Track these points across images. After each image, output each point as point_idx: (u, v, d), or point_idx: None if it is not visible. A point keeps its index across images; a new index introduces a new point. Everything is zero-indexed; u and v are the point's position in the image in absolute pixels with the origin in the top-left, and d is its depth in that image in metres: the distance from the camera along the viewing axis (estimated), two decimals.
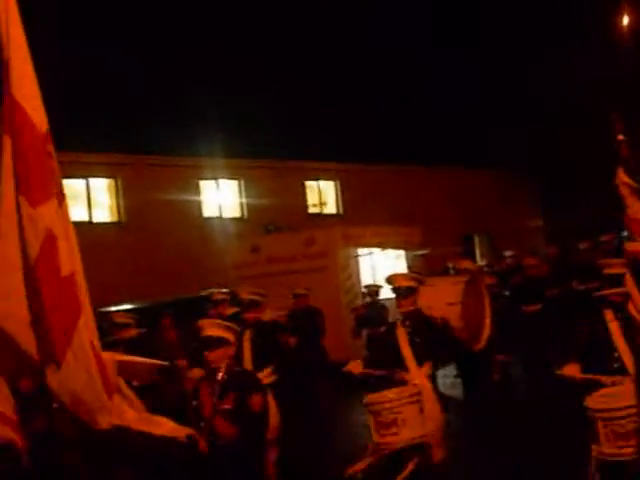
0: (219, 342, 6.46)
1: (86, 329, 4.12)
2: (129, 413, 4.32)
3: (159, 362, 5.77)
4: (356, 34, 29.12)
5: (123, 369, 4.59)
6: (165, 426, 4.47)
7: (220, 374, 6.39)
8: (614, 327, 6.83)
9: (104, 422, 4.11)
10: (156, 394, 6.69)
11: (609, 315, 6.92)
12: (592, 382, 6.67)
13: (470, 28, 31.34)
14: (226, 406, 6.20)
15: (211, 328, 6.57)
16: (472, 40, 30.96)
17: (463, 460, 9.05)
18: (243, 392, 6.27)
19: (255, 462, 6.19)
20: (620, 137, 6.27)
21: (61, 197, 4.22)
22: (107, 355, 4.42)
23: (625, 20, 25.66)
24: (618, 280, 6.97)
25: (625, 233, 29.85)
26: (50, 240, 4.02)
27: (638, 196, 5.81)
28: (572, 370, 6.80)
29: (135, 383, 5.52)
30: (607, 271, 7.10)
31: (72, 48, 22.05)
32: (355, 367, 7.63)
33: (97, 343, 4.22)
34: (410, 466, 6.84)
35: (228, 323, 6.81)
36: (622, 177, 5.94)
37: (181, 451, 4.44)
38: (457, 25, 31.48)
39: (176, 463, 4.38)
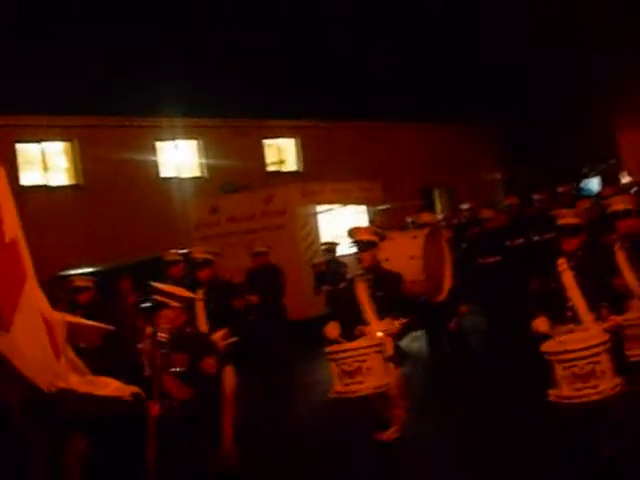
0: (163, 305, 6.48)
1: (32, 293, 4.09)
2: (73, 376, 4.30)
3: (107, 326, 5.75)
4: None
5: (72, 331, 4.57)
6: (109, 386, 4.46)
7: (162, 335, 6.36)
8: (567, 276, 6.91)
9: (52, 385, 4.09)
10: (105, 356, 6.68)
11: (563, 264, 6.99)
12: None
13: None
14: (178, 368, 6.19)
15: (157, 295, 6.57)
16: None
17: (426, 415, 9.21)
18: (195, 354, 6.26)
19: (210, 422, 6.19)
20: None
21: None
22: (57, 315, 4.39)
23: None
24: (571, 230, 7.05)
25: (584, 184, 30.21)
26: None
27: None
28: (542, 324, 6.86)
29: (82, 345, 5.50)
30: (561, 221, 7.14)
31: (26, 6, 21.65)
32: (333, 332, 7.60)
33: (45, 306, 4.19)
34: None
35: (171, 289, 6.76)
36: None
37: (125, 409, 4.43)
38: None
39: (121, 422, 4.37)
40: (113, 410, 4.37)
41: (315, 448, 8.47)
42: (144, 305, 6.77)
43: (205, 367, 6.21)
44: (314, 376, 11.75)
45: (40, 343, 4.07)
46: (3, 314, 3.92)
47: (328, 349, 7.11)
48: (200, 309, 8.68)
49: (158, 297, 6.54)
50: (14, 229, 4.10)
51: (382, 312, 7.51)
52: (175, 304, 6.51)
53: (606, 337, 6.25)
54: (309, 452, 8.38)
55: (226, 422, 6.43)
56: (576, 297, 6.79)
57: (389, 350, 7.23)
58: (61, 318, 4.45)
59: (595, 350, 6.11)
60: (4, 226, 3.98)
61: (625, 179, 26.55)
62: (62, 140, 22.71)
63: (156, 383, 5.99)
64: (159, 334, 6.34)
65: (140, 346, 6.75)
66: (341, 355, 6.94)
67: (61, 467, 4.11)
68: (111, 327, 5.79)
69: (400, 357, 7.88)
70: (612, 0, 27.19)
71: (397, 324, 7.29)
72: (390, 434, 7.61)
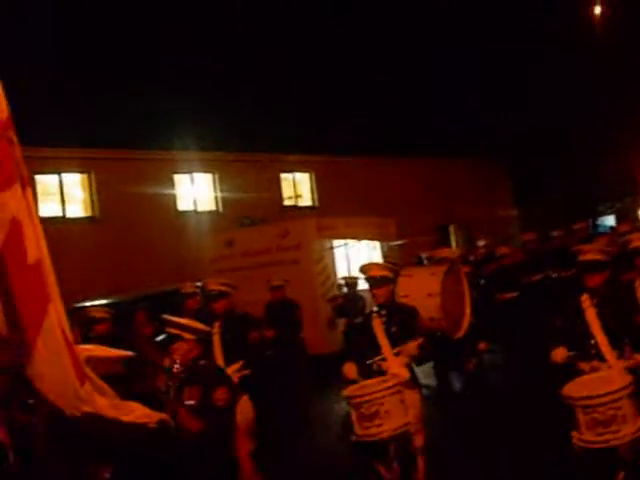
0: (177, 338, 6.46)
1: (56, 316, 4.06)
2: (100, 400, 4.26)
3: (126, 353, 5.72)
4: (332, 26, 29.08)
5: (92, 360, 4.54)
6: (136, 412, 4.40)
7: (176, 366, 6.33)
8: (590, 313, 6.83)
9: (76, 409, 4.05)
10: (124, 385, 6.63)
11: (586, 301, 6.91)
12: (574, 365, 6.68)
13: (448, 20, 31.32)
14: (191, 401, 6.15)
15: (170, 327, 6.55)
16: (448, 31, 30.98)
17: (441, 449, 9.08)
18: (207, 386, 6.21)
19: (222, 456, 6.11)
20: None
21: (25, 183, 4.11)
22: (78, 348, 4.36)
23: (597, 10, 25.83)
24: (595, 266, 6.98)
25: (599, 221, 30.10)
26: (16, 227, 3.94)
27: None
28: (560, 354, 6.80)
29: (103, 373, 5.46)
30: (583, 257, 7.09)
31: (44, 38, 21.88)
32: (351, 373, 7.54)
33: (68, 331, 4.16)
34: (392, 453, 6.82)
35: (186, 321, 6.73)
36: None
37: (151, 437, 4.36)
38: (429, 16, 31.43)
39: (146, 450, 4.30)
40: (138, 438, 4.30)
41: None
42: (159, 338, 6.73)
43: (216, 399, 6.16)
44: (332, 412, 11.68)
45: (63, 367, 4.04)
46: (26, 337, 3.90)
47: (345, 394, 7.04)
48: (216, 342, 8.62)
49: (172, 329, 6.51)
50: (39, 250, 4.08)
51: (396, 347, 7.44)
52: (189, 336, 6.48)
53: (628, 380, 6.15)
54: None
55: (243, 455, 6.34)
56: (599, 334, 6.71)
57: (407, 386, 7.14)
58: (82, 350, 4.42)
59: (616, 395, 6.01)
60: (27, 247, 3.95)
61: None
62: (79, 172, 22.84)
63: (170, 417, 5.95)
64: (173, 366, 6.30)
65: (155, 380, 6.69)
66: (358, 400, 6.87)
67: None
68: (130, 353, 5.75)
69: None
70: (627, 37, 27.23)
71: (414, 345, 7.23)
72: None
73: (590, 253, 7.09)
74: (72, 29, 22.82)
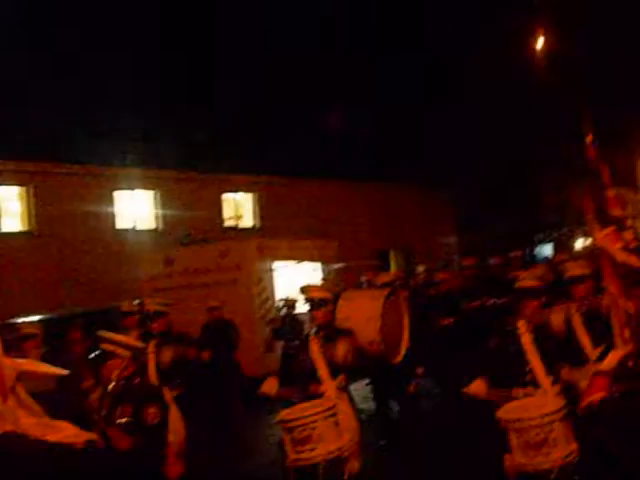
0: (111, 355, 6.35)
1: None
2: (26, 419, 4.14)
3: (57, 370, 5.59)
4: (277, 46, 29.13)
5: (21, 375, 4.42)
6: (65, 431, 4.29)
7: (110, 386, 6.22)
8: (526, 339, 6.89)
9: None
10: (53, 402, 6.49)
11: (522, 327, 6.98)
12: (501, 397, 6.71)
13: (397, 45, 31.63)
14: (122, 419, 6.05)
15: (105, 344, 6.44)
16: (395, 53, 31.29)
17: (380, 473, 9.07)
18: (139, 404, 6.12)
19: (152, 475, 6.01)
20: (589, 138, 6.30)
21: None
22: (7, 361, 4.25)
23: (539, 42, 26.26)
24: (531, 293, 7.07)
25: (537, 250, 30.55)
26: None
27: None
28: (479, 388, 6.86)
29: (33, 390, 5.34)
30: (521, 284, 7.19)
31: None
32: (270, 388, 7.49)
33: None
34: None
35: (121, 338, 6.63)
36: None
37: (76, 458, 4.25)
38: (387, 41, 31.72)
39: (70, 471, 4.18)
40: (63, 458, 4.18)
41: None
42: (92, 355, 6.62)
43: (147, 417, 6.07)
44: (265, 436, 11.59)
45: None
46: None
47: (278, 417, 6.97)
48: (151, 361, 8.56)
49: (107, 346, 6.40)
50: None
51: (333, 370, 7.40)
52: (124, 353, 6.37)
53: (561, 403, 6.23)
54: None
55: (173, 477, 6.21)
56: (535, 360, 6.77)
57: (342, 410, 7.09)
58: (11, 362, 4.30)
59: (548, 419, 6.07)
60: None
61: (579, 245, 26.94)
62: (17, 185, 22.44)
63: (101, 435, 5.85)
64: (108, 384, 6.20)
65: (88, 397, 6.58)
66: (291, 424, 6.80)
67: None
68: (62, 371, 5.63)
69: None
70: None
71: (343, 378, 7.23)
72: None
73: (527, 280, 7.21)
74: (16, 36, 22.51)
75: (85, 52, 23.96)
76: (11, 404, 4.10)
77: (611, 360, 4.95)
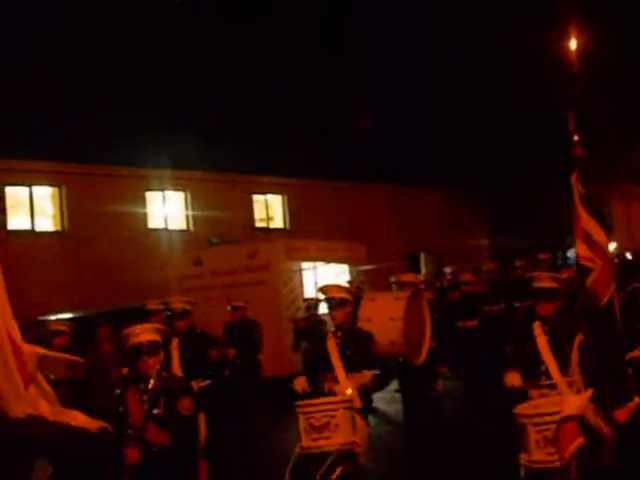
0: (152, 347, 6.40)
1: (2, 319, 4.09)
2: (44, 405, 4.29)
3: (78, 359, 5.75)
4: (303, 42, 29.19)
5: (42, 363, 4.58)
6: (77, 419, 4.43)
7: (152, 381, 6.32)
8: (541, 340, 6.91)
9: (19, 411, 4.08)
10: (78, 390, 6.66)
11: (538, 328, 7.00)
12: (526, 391, 6.75)
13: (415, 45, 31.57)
14: (156, 411, 6.16)
15: (144, 333, 6.47)
16: (418, 59, 31.23)
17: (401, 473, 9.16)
18: (172, 396, 6.22)
19: (188, 467, 6.13)
20: (576, 138, 6.30)
21: None
22: (29, 348, 4.38)
23: (573, 44, 26.13)
24: (547, 294, 7.07)
25: (569, 253, 30.36)
26: None
27: (583, 202, 5.84)
28: (514, 378, 6.88)
29: (52, 377, 5.48)
30: (537, 285, 7.17)
31: (16, 49, 21.84)
32: (299, 385, 7.56)
33: (15, 333, 4.18)
34: (338, 471, 6.79)
35: (158, 325, 6.75)
36: (574, 179, 5.97)
37: (92, 443, 4.39)
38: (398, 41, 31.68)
39: (87, 454, 4.33)
40: (80, 442, 4.32)
41: None
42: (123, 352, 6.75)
43: (182, 408, 6.17)
44: (284, 433, 11.64)
45: (9, 370, 4.07)
46: None
47: (298, 402, 7.04)
48: (175, 358, 8.69)
49: (149, 335, 6.45)
50: None
51: (350, 369, 7.43)
52: (158, 351, 6.48)
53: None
54: None
55: (202, 471, 6.33)
56: (550, 362, 6.79)
57: (357, 403, 7.14)
58: (33, 350, 4.44)
59: None
60: None
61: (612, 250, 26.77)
62: (50, 185, 22.75)
63: (137, 429, 5.98)
64: (150, 380, 6.30)
65: (117, 392, 6.66)
66: (310, 409, 6.87)
67: None
68: (81, 359, 5.78)
69: (368, 413, 7.78)
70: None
71: (368, 375, 7.21)
72: None
73: (545, 281, 7.19)
74: (46, 40, 22.79)
75: (118, 52, 24.22)
76: (32, 391, 4.25)
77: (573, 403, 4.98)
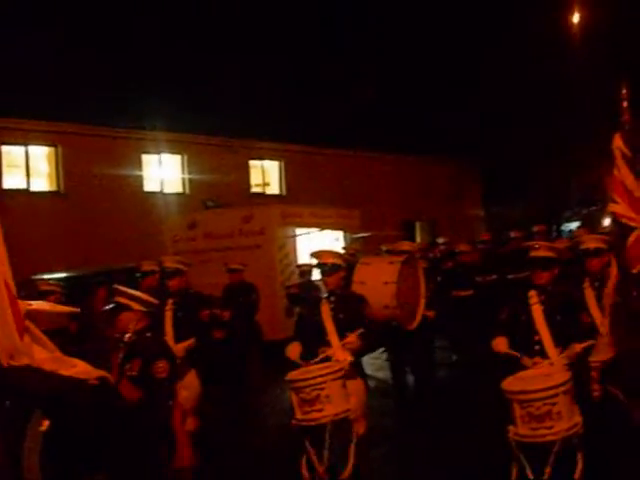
0: (125, 309, 6.50)
1: (0, 272, 4.10)
2: (40, 353, 4.30)
3: (68, 308, 5.75)
4: (310, 18, 29.08)
5: (36, 315, 4.58)
6: (77, 367, 4.44)
7: (127, 335, 6.38)
8: (536, 309, 6.92)
9: (15, 360, 4.09)
10: (74, 340, 6.68)
11: (533, 297, 7.01)
12: (514, 359, 6.77)
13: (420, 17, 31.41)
14: (132, 372, 6.19)
15: (120, 297, 6.58)
16: (420, 27, 31.08)
17: (392, 442, 9.24)
18: (148, 358, 6.25)
19: (158, 428, 6.13)
20: (625, 103, 6.37)
21: None
22: (19, 302, 4.38)
23: (575, 17, 26.02)
24: (543, 263, 7.06)
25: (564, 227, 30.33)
26: None
27: (628, 164, 5.97)
28: (501, 343, 6.90)
29: (42, 328, 5.50)
30: (533, 254, 7.17)
31: (18, 12, 21.69)
32: (293, 353, 7.55)
33: (11, 283, 4.19)
34: (327, 440, 6.82)
35: (135, 293, 6.75)
36: (617, 141, 6.09)
37: (89, 393, 4.40)
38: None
39: (83, 404, 4.33)
40: (77, 391, 4.33)
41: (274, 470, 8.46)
42: (107, 307, 6.75)
43: (155, 371, 6.19)
44: (280, 398, 11.74)
45: (4, 319, 4.08)
46: None
47: (287, 377, 7.05)
48: (168, 318, 8.69)
49: (121, 299, 6.53)
50: None
51: (343, 333, 7.43)
52: (137, 307, 6.51)
53: (566, 377, 6.25)
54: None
55: (179, 431, 6.30)
56: (543, 331, 6.81)
57: (350, 373, 7.15)
58: (22, 303, 4.44)
59: (552, 392, 6.09)
60: None
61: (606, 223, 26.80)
62: (46, 145, 22.65)
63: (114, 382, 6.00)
64: (124, 336, 6.35)
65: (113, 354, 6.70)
66: (299, 384, 6.88)
67: (21, 448, 4.07)
68: (76, 309, 5.78)
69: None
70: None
71: (354, 335, 7.20)
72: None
73: (541, 250, 7.18)
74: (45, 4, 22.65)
75: (117, 11, 24.07)
76: (27, 339, 4.26)
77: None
